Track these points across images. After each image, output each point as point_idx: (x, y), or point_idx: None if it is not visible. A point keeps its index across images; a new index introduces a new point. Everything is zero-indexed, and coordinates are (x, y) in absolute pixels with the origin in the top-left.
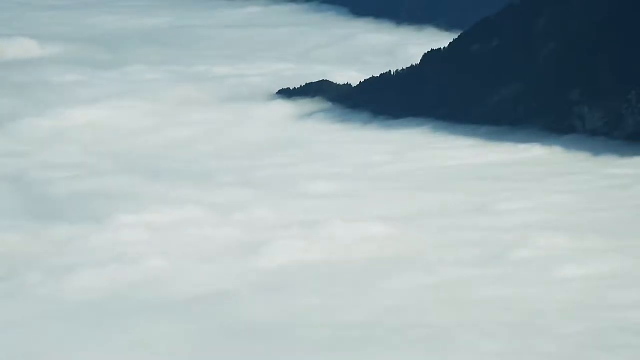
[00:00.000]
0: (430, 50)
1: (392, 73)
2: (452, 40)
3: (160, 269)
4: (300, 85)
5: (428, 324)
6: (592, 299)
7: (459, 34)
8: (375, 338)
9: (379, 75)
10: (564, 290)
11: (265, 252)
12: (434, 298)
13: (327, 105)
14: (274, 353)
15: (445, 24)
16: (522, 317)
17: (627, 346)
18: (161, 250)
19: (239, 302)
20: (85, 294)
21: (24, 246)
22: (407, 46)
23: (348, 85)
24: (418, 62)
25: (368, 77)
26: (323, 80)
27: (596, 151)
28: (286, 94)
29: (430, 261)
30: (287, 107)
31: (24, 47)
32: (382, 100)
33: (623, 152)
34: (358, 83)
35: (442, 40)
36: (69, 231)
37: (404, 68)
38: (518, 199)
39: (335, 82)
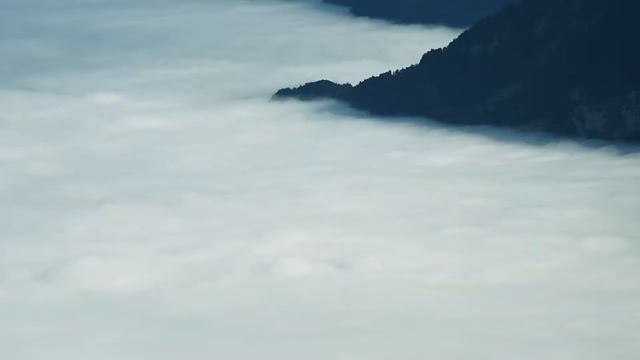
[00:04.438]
0: (430, 50)
1: (392, 73)
2: (452, 40)
3: None
4: (300, 85)
5: None
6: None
7: (459, 34)
8: None
9: (379, 75)
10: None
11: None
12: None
13: (327, 105)
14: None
15: (445, 24)
16: None
17: None
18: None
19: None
20: None
21: None
22: (407, 46)
23: (348, 85)
24: (418, 62)
25: (368, 77)
26: (323, 80)
27: (596, 151)
28: (286, 93)
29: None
30: (286, 107)
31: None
32: (382, 100)
33: (623, 152)
34: (358, 83)
35: (442, 40)
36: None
37: (404, 68)
38: (517, 198)
39: (335, 82)
